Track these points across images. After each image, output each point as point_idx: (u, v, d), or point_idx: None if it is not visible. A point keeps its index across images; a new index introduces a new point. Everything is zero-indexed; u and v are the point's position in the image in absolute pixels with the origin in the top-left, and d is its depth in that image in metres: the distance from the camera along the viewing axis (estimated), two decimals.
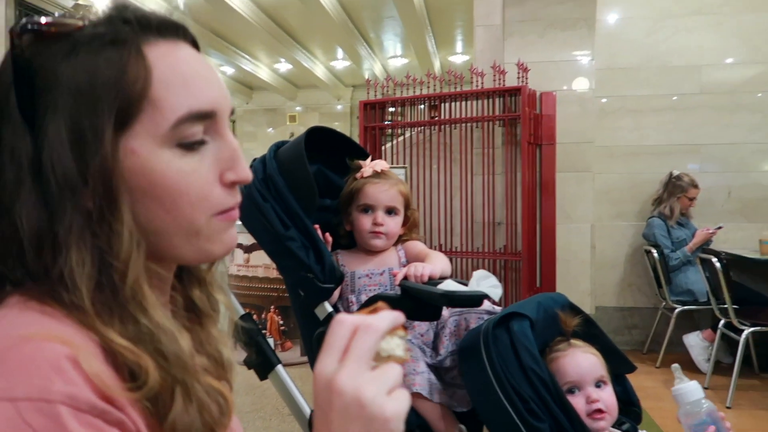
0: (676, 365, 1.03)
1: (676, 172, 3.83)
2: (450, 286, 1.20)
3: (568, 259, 3.74)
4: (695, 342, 3.59)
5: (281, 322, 3.02)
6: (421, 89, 3.74)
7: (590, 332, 1.26)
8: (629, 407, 1.30)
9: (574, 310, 1.32)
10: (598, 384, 1.13)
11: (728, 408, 2.98)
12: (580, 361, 1.16)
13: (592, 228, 3.86)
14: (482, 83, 3.59)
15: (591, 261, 3.82)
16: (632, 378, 1.29)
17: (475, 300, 1.17)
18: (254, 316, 3.01)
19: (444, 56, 10.20)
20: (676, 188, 3.78)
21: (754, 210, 4.06)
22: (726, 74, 4.11)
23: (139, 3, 0.57)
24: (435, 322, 1.33)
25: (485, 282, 1.39)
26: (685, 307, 3.61)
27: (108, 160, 0.48)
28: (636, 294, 4.14)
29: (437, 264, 1.32)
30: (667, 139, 4.13)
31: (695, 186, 3.78)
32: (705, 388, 3.27)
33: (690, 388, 1.00)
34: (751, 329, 3.05)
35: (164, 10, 0.54)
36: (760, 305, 3.45)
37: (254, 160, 1.38)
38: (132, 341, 0.47)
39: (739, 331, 3.09)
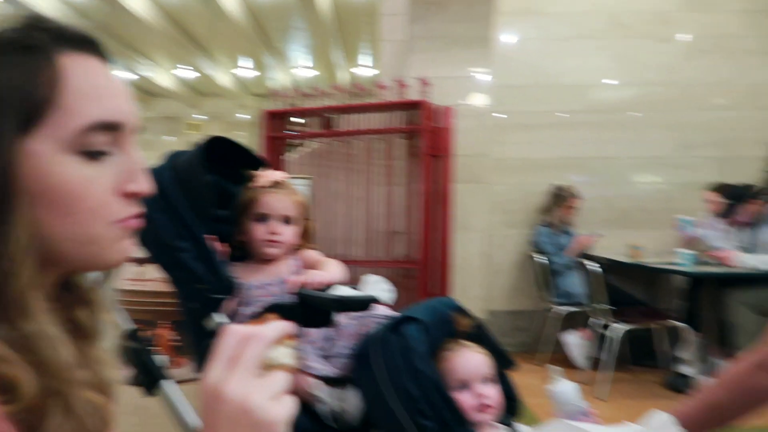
0: (553, 366, 1.10)
1: (559, 184, 4.13)
2: (342, 291, 1.25)
3: (463, 267, 3.92)
4: (574, 341, 3.87)
5: (174, 337, 2.94)
6: (326, 101, 3.79)
7: (478, 334, 1.34)
8: (509, 402, 1.40)
9: (464, 313, 1.39)
10: (486, 381, 1.20)
11: (603, 401, 3.26)
12: (470, 360, 1.22)
13: (486, 236, 4.07)
14: (389, 96, 3.70)
15: (484, 268, 4.02)
16: (519, 376, 1.39)
17: (365, 303, 1.22)
18: (145, 332, 2.90)
19: (350, 68, 10.32)
20: (559, 198, 4.08)
21: (628, 218, 4.46)
22: (606, 94, 4.49)
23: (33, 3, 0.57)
24: (333, 330, 1.36)
25: (377, 286, 1.45)
26: (567, 309, 3.89)
27: (7, 160, 0.48)
28: (524, 298, 4.39)
29: (332, 271, 1.37)
30: (554, 152, 4.44)
31: (576, 196, 4.10)
32: (582, 384, 3.55)
33: (565, 389, 1.05)
34: (623, 326, 3.35)
35: (79, 25, 0.56)
36: (632, 305, 3.80)
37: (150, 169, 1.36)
38: (13, 347, 0.47)
39: (614, 330, 3.38)
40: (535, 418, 2.88)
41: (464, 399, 1.18)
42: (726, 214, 3.59)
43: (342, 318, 1.35)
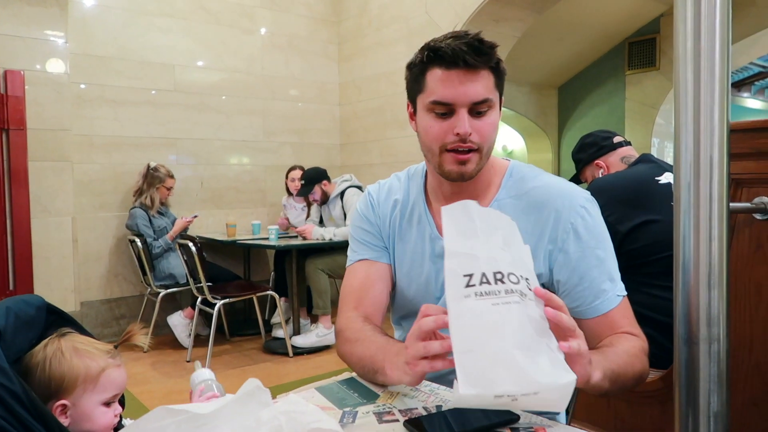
0: (197, 362, 1.09)
1: (153, 164, 4.03)
2: None
3: (48, 256, 3.47)
4: (178, 321, 3.91)
5: None
6: None
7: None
8: None
9: (53, 311, 1.25)
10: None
11: None
12: (123, 377, 1.10)
13: (74, 221, 3.68)
14: None
15: (73, 256, 3.65)
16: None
17: None
18: None
19: None
20: (154, 179, 3.97)
21: (222, 198, 4.69)
22: (197, 76, 4.56)
23: None
24: None
25: None
26: (168, 290, 3.88)
27: None
28: (123, 284, 4.18)
29: None
30: (145, 131, 4.30)
31: (172, 176, 4.07)
32: (187, 361, 3.63)
33: (199, 373, 1.05)
34: (222, 301, 3.54)
35: None
36: (228, 280, 4.04)
37: None
38: None
39: (213, 305, 3.53)
40: (142, 406, 2.80)
41: (107, 418, 1.07)
42: (303, 193, 4.13)
43: None
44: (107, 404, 0.99)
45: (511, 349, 0.66)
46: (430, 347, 0.76)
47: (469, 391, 0.65)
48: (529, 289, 0.70)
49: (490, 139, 1.03)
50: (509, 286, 0.69)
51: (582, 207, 1.04)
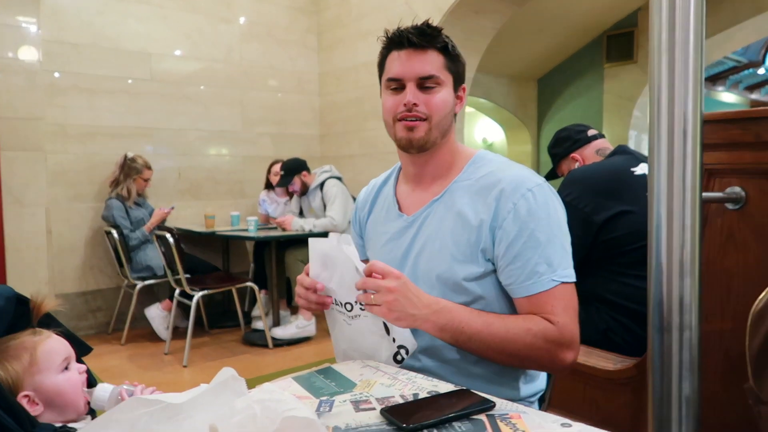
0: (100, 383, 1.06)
1: (130, 154, 3.96)
2: None
3: (20, 248, 3.41)
4: (156, 313, 3.87)
5: None
6: None
7: (46, 321, 1.22)
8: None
9: (24, 301, 1.24)
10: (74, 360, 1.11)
11: (185, 366, 3.37)
12: (58, 340, 1.10)
13: (47, 212, 3.61)
14: None
15: (47, 247, 3.58)
16: (98, 358, 1.30)
17: None
18: None
19: None
20: (131, 170, 3.91)
21: (200, 189, 4.64)
22: (174, 65, 4.48)
23: None
24: None
25: None
26: (146, 282, 3.83)
27: None
28: (98, 276, 4.12)
29: None
30: (121, 121, 4.22)
31: (149, 167, 4.01)
32: (165, 354, 3.59)
33: (101, 389, 1.03)
34: (201, 293, 3.50)
35: None
36: (207, 272, 4.01)
37: None
38: None
39: (191, 297, 3.50)
40: None
41: (72, 381, 1.08)
42: (282, 183, 4.10)
43: None
44: (66, 370, 1.00)
45: (355, 343, 1.10)
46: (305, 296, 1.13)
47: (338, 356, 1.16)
48: (361, 309, 1.05)
49: (438, 112, 1.12)
50: (351, 311, 1.08)
51: (529, 190, 1.06)
